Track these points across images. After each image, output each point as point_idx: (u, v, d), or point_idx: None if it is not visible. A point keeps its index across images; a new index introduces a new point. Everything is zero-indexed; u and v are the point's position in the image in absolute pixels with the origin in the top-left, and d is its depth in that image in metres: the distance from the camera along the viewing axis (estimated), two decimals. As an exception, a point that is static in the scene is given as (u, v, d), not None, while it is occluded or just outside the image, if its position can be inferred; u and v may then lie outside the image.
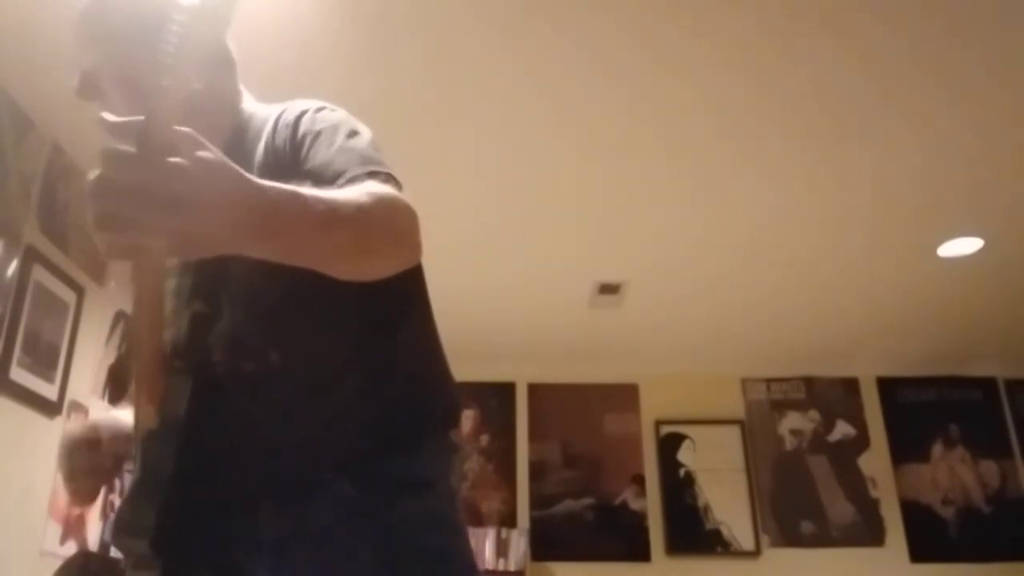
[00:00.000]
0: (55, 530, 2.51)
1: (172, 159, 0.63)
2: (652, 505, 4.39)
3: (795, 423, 4.59)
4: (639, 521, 4.36)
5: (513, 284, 3.74)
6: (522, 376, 4.64)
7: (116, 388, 2.93)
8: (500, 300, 3.90)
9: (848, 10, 2.11)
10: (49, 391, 2.51)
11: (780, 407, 4.63)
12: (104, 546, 2.80)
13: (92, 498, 1.08)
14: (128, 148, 0.63)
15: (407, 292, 1.05)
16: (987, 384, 4.62)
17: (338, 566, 0.91)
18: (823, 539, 4.31)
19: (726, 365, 4.59)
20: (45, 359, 2.50)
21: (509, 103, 2.49)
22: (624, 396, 4.62)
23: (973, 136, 2.64)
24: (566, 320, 4.11)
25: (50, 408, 2.52)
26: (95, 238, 0.64)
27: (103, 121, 0.67)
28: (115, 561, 2.87)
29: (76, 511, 2.63)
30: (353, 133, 0.98)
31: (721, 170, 2.84)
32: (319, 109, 1.02)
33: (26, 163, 2.46)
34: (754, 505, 4.37)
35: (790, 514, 4.38)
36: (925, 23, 2.16)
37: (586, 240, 3.35)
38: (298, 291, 0.94)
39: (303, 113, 1.01)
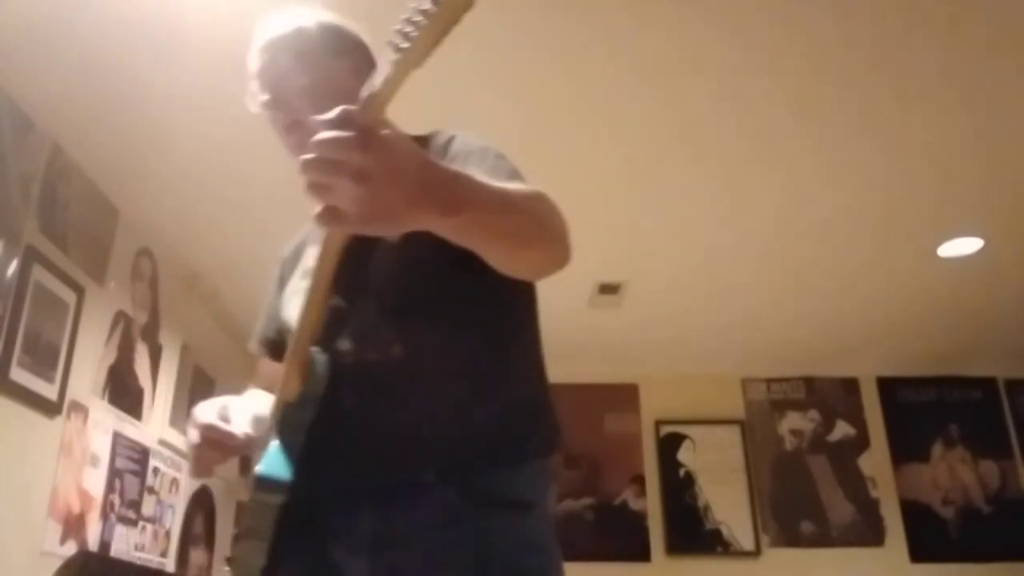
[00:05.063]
0: (55, 530, 2.51)
1: (378, 138, 0.68)
2: (652, 505, 4.39)
3: (795, 423, 4.59)
4: (639, 521, 4.36)
5: (513, 284, 3.73)
6: (522, 376, 4.64)
7: (117, 388, 2.93)
8: (500, 300, 3.90)
9: (849, 10, 2.11)
10: (49, 391, 2.51)
11: (780, 407, 4.63)
12: (104, 546, 2.80)
13: (211, 474, 1.10)
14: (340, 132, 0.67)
15: (525, 312, 1.13)
16: (987, 384, 4.62)
17: (432, 574, 0.93)
18: (823, 539, 4.31)
19: (726, 365, 4.59)
20: (45, 359, 2.50)
21: (509, 102, 2.49)
22: (624, 396, 4.62)
23: (973, 136, 2.64)
24: (566, 320, 4.10)
25: (50, 408, 2.51)
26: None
27: (317, 121, 0.71)
28: (115, 561, 2.86)
29: (76, 511, 2.63)
30: (501, 156, 1.09)
31: (721, 171, 2.84)
32: (464, 134, 1.13)
33: (26, 163, 2.45)
34: (754, 505, 4.37)
35: (790, 514, 4.38)
36: (925, 23, 2.16)
37: (586, 240, 3.32)
38: (428, 289, 1.01)
39: (453, 137, 1.14)
